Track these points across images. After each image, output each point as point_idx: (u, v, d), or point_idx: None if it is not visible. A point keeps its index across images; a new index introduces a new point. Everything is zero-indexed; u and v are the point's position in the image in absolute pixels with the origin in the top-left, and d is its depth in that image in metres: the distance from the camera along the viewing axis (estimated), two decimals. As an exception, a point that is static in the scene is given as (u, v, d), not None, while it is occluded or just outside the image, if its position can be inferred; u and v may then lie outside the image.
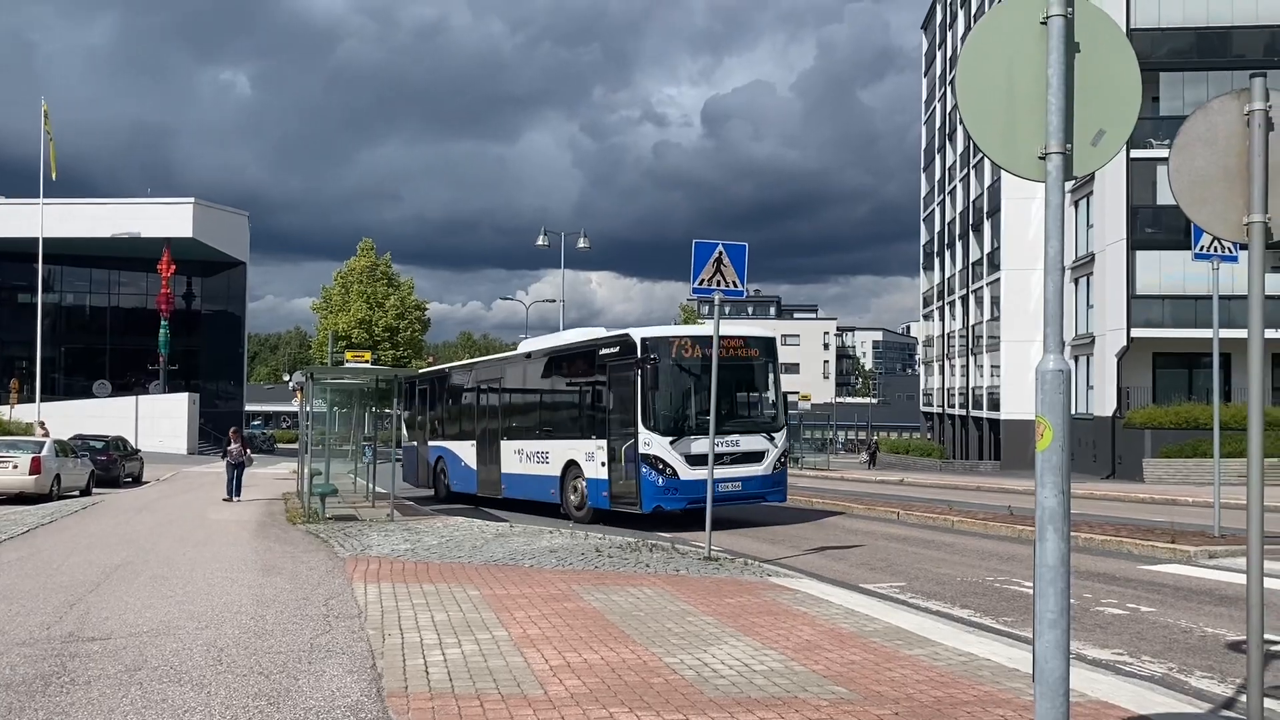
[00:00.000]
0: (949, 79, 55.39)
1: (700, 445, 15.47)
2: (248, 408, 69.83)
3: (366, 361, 42.00)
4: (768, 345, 17.62)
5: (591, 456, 17.20)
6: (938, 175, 62.39)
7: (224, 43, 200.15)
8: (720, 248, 11.72)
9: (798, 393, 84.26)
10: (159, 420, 48.60)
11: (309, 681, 5.93)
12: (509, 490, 20.39)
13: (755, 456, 16.60)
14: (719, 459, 14.59)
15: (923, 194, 67.67)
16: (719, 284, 11.72)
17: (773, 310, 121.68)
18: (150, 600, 8.83)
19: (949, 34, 57.60)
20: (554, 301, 58.55)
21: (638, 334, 16.51)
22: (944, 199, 60.36)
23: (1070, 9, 3.75)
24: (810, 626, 7.54)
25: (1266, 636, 4.79)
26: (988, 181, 48.95)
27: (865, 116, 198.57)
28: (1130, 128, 4.02)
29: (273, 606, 8.46)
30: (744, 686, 5.74)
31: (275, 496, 22.78)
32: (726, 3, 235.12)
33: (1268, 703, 4.79)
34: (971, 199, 52.85)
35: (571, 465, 17.92)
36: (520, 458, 19.89)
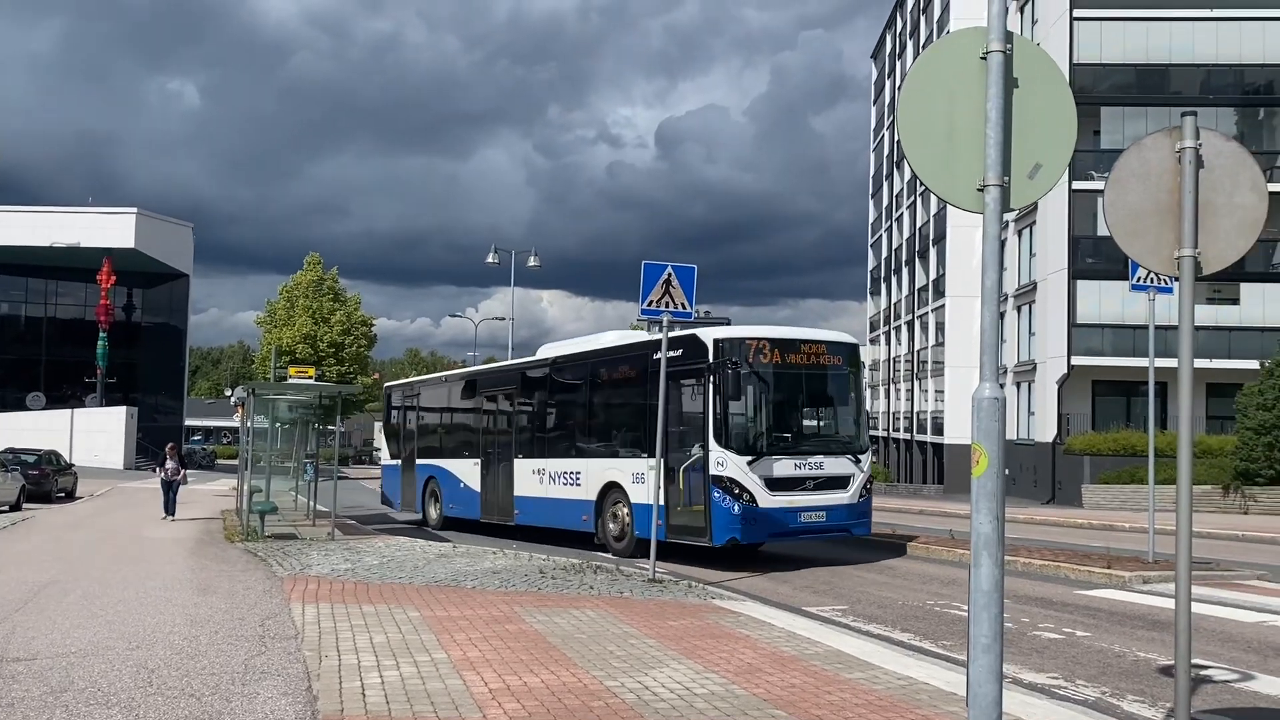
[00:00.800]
0: (896, 107, 56.32)
1: (783, 467, 13.64)
2: (188, 422, 68.54)
3: (310, 377, 41.45)
4: (852, 353, 15.28)
5: (640, 478, 14.69)
6: (885, 202, 63.30)
7: (173, 51, 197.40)
8: (670, 269, 11.78)
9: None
10: (95, 434, 47.49)
11: (242, 704, 5.81)
12: (524, 516, 18.16)
13: (840, 482, 14.21)
14: (799, 484, 13.58)
15: (870, 220, 68.61)
16: (668, 305, 11.77)
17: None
18: (80, 620, 8.60)
19: (898, 64, 58.61)
20: (504, 319, 58.39)
21: (709, 334, 14.03)
22: (891, 225, 61.24)
23: (1009, 45, 3.84)
24: (752, 649, 7.55)
25: (1194, 661, 4.89)
26: (933, 209, 49.75)
27: (817, 143, 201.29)
28: (1066, 162, 4.12)
29: (207, 627, 8.28)
30: (684, 710, 5.73)
31: (214, 514, 22.35)
32: (682, 27, 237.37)
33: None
34: (918, 226, 53.69)
35: (612, 488, 15.56)
36: (540, 479, 17.59)
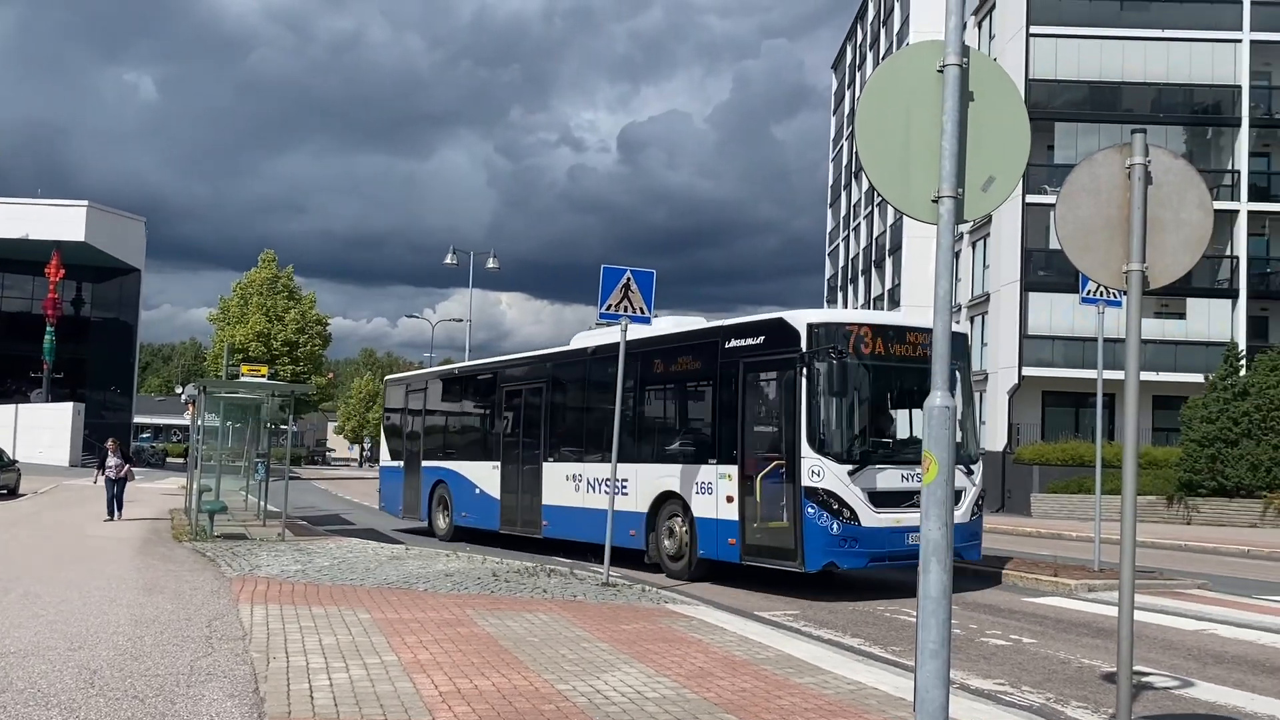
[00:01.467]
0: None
1: (889, 479, 11.52)
2: (137, 419, 67.34)
3: (263, 376, 40.94)
4: (962, 344, 13.31)
5: (707, 487, 12.61)
6: (843, 211, 63.86)
7: (130, 43, 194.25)
8: (629, 274, 11.80)
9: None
10: (40, 431, 46.49)
11: (186, 706, 5.72)
12: (554, 528, 16.00)
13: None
14: (906, 499, 11.37)
15: (829, 229, 69.18)
16: (626, 310, 11.79)
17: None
18: (20, 619, 8.42)
19: (858, 75, 59.18)
20: (461, 321, 58.11)
21: (800, 318, 11.75)
22: (849, 235, 61.77)
23: (966, 59, 3.90)
24: (704, 654, 7.57)
25: (1136, 668, 4.99)
26: (890, 220, 50.28)
27: (778, 151, 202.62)
28: (1019, 176, 4.19)
29: (152, 627, 8.14)
30: (635, 714, 5.73)
31: (161, 514, 21.99)
32: (646, 33, 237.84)
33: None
34: (874, 236, 54.22)
35: (667, 499, 13.37)
36: (576, 486, 15.38)
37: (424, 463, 19.99)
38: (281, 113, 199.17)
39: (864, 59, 57.83)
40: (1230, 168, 36.11)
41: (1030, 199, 33.45)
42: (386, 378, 23.28)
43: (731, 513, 12.04)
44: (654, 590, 11.25)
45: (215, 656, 7.04)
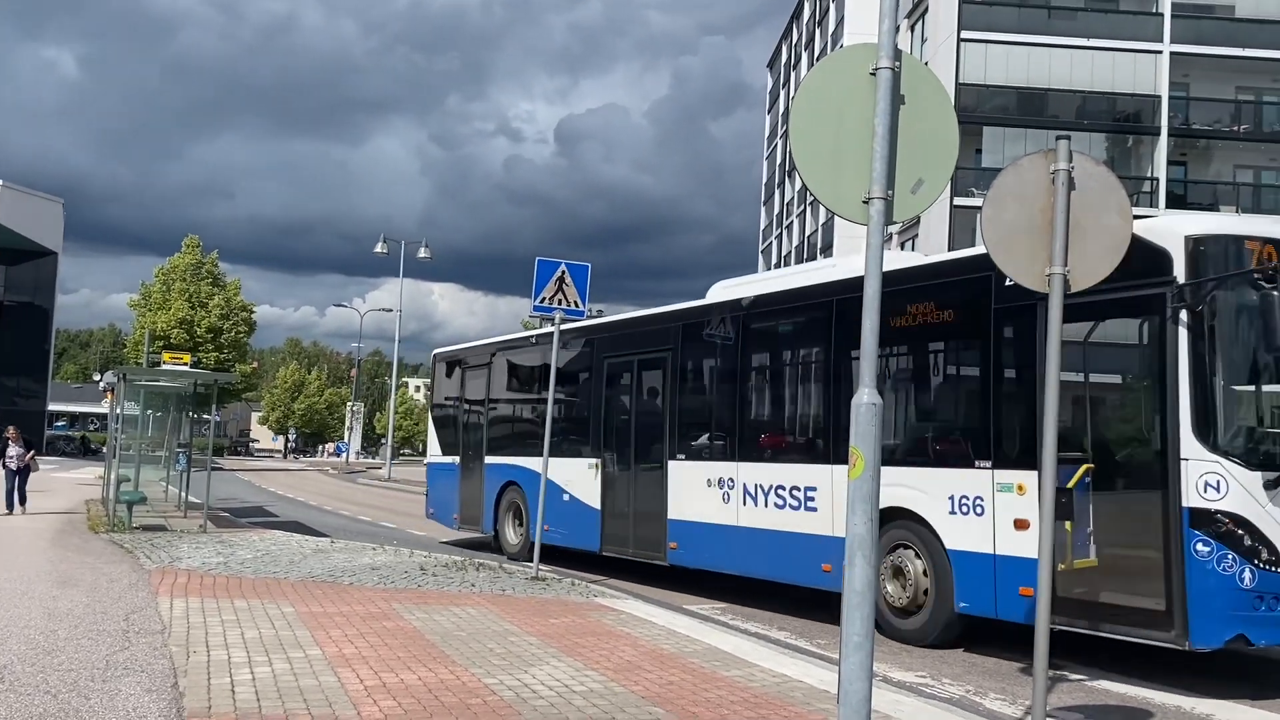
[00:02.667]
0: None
1: None
2: (51, 407, 65.32)
3: (186, 364, 40.02)
4: None
5: (972, 504, 8.33)
6: (776, 210, 64.45)
7: (50, 18, 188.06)
8: (563, 266, 11.76)
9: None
10: (-53, 417, 44.87)
11: (102, 701, 5.58)
12: (688, 552, 11.61)
13: None
14: None
15: (762, 227, 69.77)
16: (561, 302, 11.75)
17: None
18: (-75, 613, 8.12)
19: (793, 74, 59.73)
20: (391, 311, 57.41)
21: (1171, 230, 7.24)
22: (781, 233, 62.37)
23: (898, 63, 3.97)
24: (632, 647, 7.60)
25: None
26: (822, 219, 50.87)
27: (714, 148, 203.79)
28: (947, 179, 4.27)
29: (66, 621, 7.92)
30: (563, 708, 5.73)
31: (77, 504, 21.36)
32: (585, 25, 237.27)
33: (1050, 723, 5.13)
34: (806, 234, 54.81)
35: (893, 521, 8.78)
36: (724, 494, 11.04)
37: (488, 458, 15.70)
38: (210, 96, 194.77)
39: (799, 59, 58.39)
40: (1149, 175, 37.22)
41: (958, 201, 34.10)
42: (435, 352, 17.93)
43: (1024, 546, 7.73)
44: (583, 584, 11.26)
45: (133, 650, 6.87)
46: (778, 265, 62.59)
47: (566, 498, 13.51)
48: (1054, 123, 36.16)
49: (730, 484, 11.00)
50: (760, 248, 69.57)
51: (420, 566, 11.98)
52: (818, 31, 54.21)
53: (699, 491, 11.39)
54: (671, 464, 11.96)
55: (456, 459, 16.84)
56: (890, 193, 3.89)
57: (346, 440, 79.42)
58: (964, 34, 36.66)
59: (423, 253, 46.04)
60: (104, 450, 59.63)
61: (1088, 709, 6.64)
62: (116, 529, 15.29)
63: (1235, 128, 38.16)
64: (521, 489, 14.80)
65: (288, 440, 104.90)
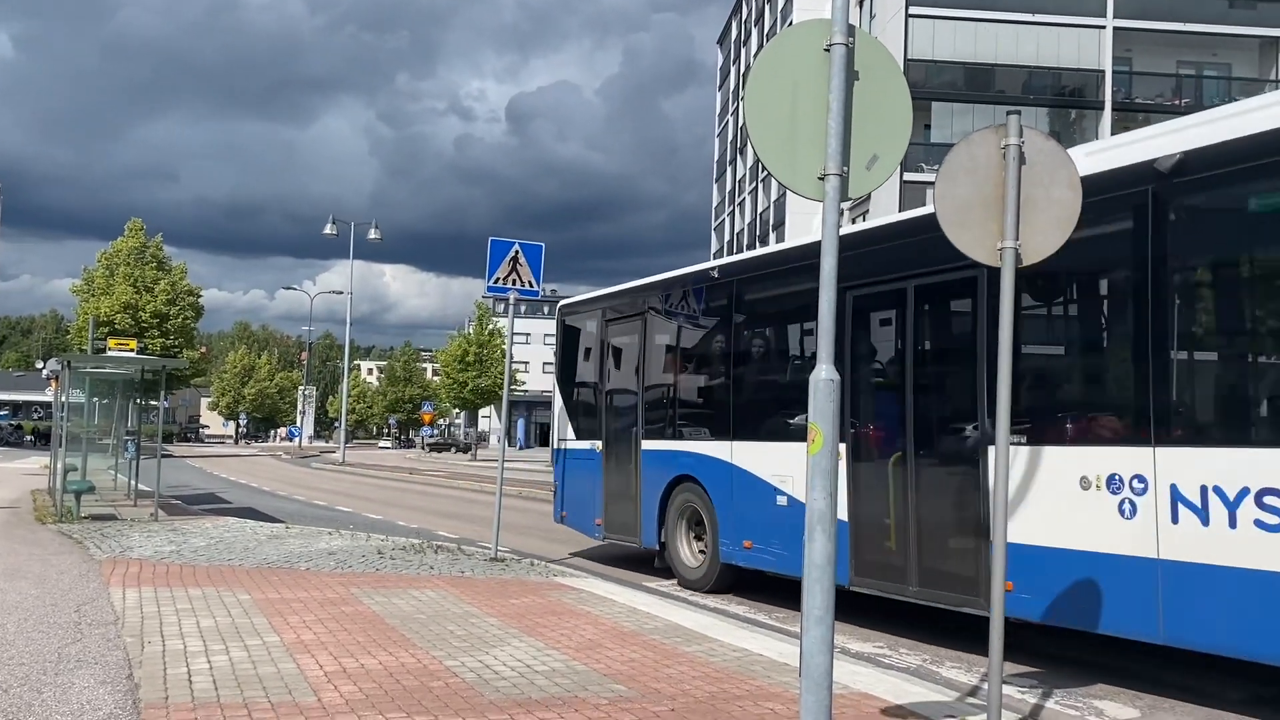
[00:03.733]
0: (741, 95, 57.59)
1: None
2: (-7, 396, 63.83)
3: (131, 350, 39.25)
4: None
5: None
6: (729, 187, 64.54)
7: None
8: (517, 246, 11.68)
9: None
10: (-116, 408, 43.68)
11: (54, 695, 5.48)
12: (1041, 597, 6.76)
13: None
14: None
15: (714, 204, 69.85)
16: (514, 283, 11.67)
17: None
18: None
19: (743, 51, 59.70)
20: (341, 293, 56.79)
21: None
22: (734, 210, 62.49)
23: (851, 39, 3.97)
24: (593, 625, 7.62)
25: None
26: (774, 196, 51.05)
27: (666, 125, 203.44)
28: (901, 154, 4.29)
29: (14, 614, 7.76)
30: (525, 687, 5.74)
31: (22, 494, 20.93)
32: (535, 2, 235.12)
33: (1006, 689, 5.22)
34: (759, 211, 54.99)
35: None
36: (1128, 502, 6.28)
37: (647, 443, 11.31)
38: (152, 75, 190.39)
39: (749, 35, 58.35)
40: (1094, 149, 37.75)
41: (908, 177, 34.40)
42: (562, 304, 13.77)
43: None
44: (543, 564, 11.26)
45: (85, 643, 6.76)
46: (732, 242, 62.75)
47: (783, 501, 8.99)
48: (1000, 98, 36.58)
49: (1140, 486, 6.24)
50: (713, 225, 69.67)
51: (378, 550, 11.91)
52: (767, 7, 54.20)
53: (1064, 495, 6.68)
54: (1000, 450, 5.26)
55: (597, 444, 12.27)
56: (845, 169, 3.91)
57: (299, 424, 78.64)
58: (912, 10, 36.88)
59: (373, 234, 45.53)
60: (50, 439, 58.43)
61: (1042, 674, 6.77)
62: (65, 519, 15.00)
63: (1177, 101, 38.81)
64: (701, 487, 10.25)
65: (239, 426, 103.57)
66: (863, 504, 8.19)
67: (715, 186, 69.63)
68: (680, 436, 10.94)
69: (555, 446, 13.54)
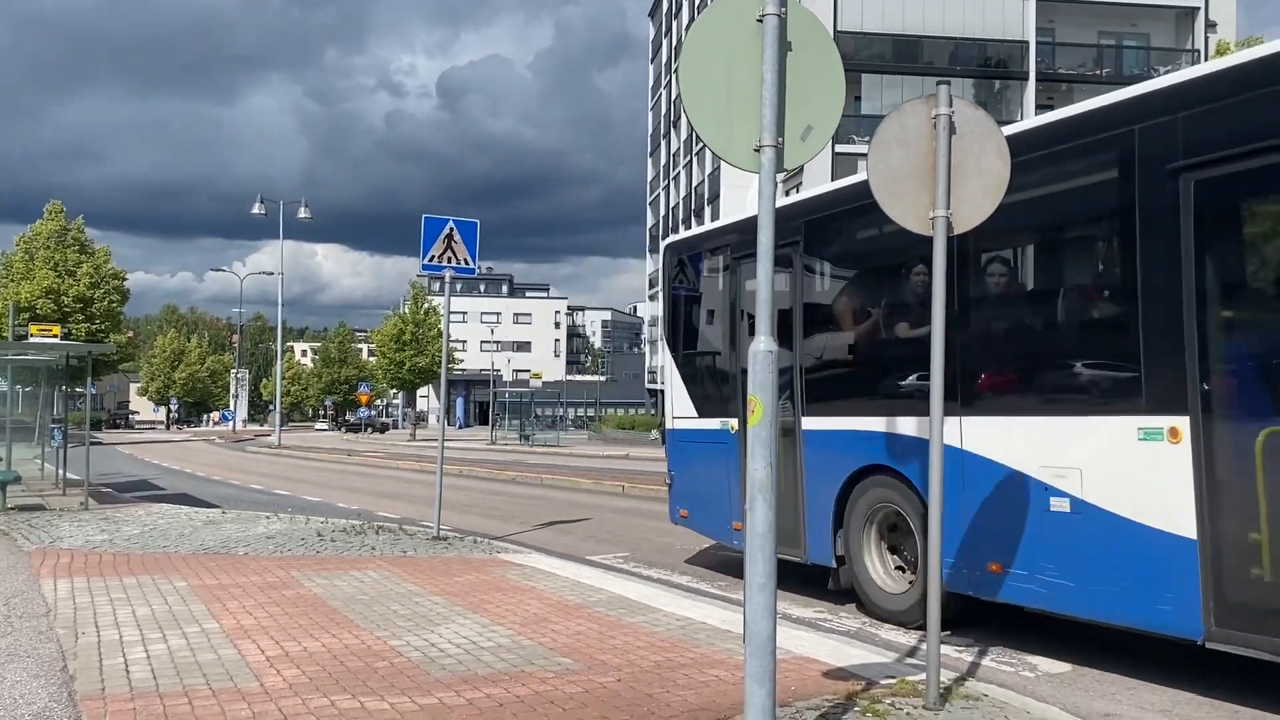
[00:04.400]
0: (674, 67, 57.43)
1: None
2: (-92, 387, 61.58)
3: (55, 336, 38.11)
4: None
5: None
6: (663, 161, 64.48)
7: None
8: (451, 223, 11.56)
9: (529, 371, 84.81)
10: None
11: (-14, 690, 5.35)
12: None
13: None
14: None
15: (649, 178, 69.75)
16: (450, 260, 11.57)
17: (505, 289, 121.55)
18: None
19: (675, 23, 59.52)
20: (272, 274, 55.67)
21: None
22: (669, 184, 62.47)
23: (784, 9, 3.98)
24: (538, 600, 7.64)
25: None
26: (709, 169, 51.13)
27: (600, 100, 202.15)
28: (835, 125, 4.32)
29: (-59, 610, 7.55)
30: (471, 664, 5.74)
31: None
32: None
33: (944, 649, 5.36)
34: (694, 185, 55.05)
35: None
36: None
37: (812, 420, 8.28)
38: (69, 52, 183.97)
39: (679, 7, 58.16)
40: (1018, 119, 38.44)
41: (841, 149, 34.68)
42: (671, 241, 11.22)
43: None
44: (486, 541, 11.24)
45: (16, 636, 6.60)
46: (667, 216, 62.76)
47: (1061, 506, 6.11)
48: (928, 69, 37.01)
49: None
50: (649, 199, 69.60)
51: (317, 533, 11.78)
52: (698, -21, 54.04)
53: None
54: None
55: (732, 423, 9.19)
56: (781, 140, 3.92)
57: (233, 408, 77.27)
58: (842, -19, 37.05)
59: (303, 213, 44.70)
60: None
61: (981, 636, 6.95)
62: (-11, 511, 14.59)
63: (1098, 71, 39.63)
64: (904, 482, 7.29)
65: (170, 411, 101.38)
66: (1222, 512, 5.28)
67: (650, 161, 69.51)
68: (867, 410, 7.67)
69: (668, 427, 10.78)
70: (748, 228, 8.90)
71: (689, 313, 10.71)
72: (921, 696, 4.94)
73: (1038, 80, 38.83)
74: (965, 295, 6.70)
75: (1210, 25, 40.57)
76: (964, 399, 6.63)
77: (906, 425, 7.16)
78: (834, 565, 8.01)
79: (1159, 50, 40.02)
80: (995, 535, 6.47)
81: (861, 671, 5.52)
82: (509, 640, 6.32)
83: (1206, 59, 36.26)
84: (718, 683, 5.33)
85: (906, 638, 6.92)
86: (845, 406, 7.95)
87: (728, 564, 10.11)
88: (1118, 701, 5.48)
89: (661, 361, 10.39)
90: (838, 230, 8.28)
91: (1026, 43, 38.74)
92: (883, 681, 5.31)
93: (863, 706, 4.83)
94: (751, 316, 8.43)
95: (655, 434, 51.26)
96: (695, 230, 11.53)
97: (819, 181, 36.65)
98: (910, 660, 6.04)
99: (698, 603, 7.71)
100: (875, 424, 7.52)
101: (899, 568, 7.62)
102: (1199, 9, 39.93)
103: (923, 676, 5.07)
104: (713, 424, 9.63)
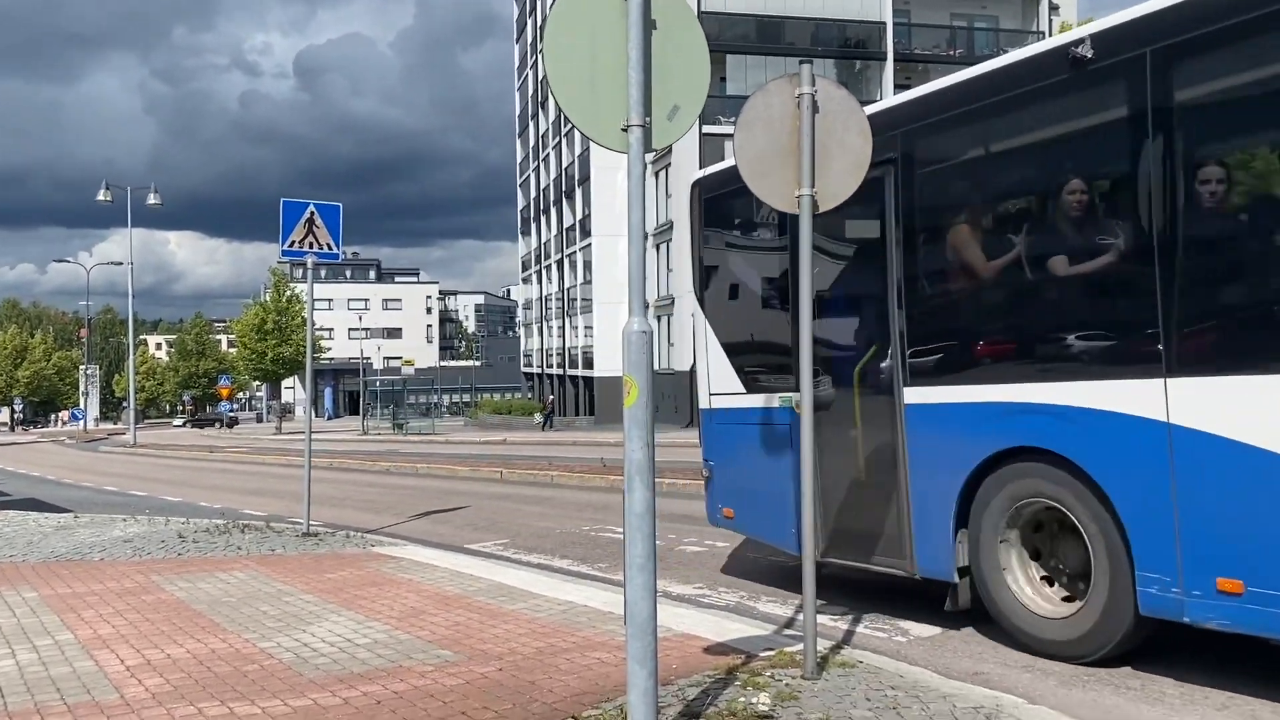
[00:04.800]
0: (539, 48, 57.03)
1: None
2: None
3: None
4: None
5: None
6: (532, 142, 63.95)
7: None
8: (312, 207, 11.19)
9: (400, 358, 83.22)
10: None
11: None
12: None
13: None
14: None
15: (519, 160, 69.10)
16: (312, 246, 11.19)
17: (373, 274, 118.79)
18: None
19: (539, 2, 58.96)
20: (121, 264, 53.04)
21: None
22: (539, 165, 62.02)
23: (648, -12, 3.94)
24: (415, 593, 7.49)
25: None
26: (578, 150, 50.96)
27: (466, 80, 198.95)
28: (701, 104, 4.31)
29: None
30: (346, 662, 5.58)
31: None
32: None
33: (820, 619, 5.47)
34: (564, 166, 54.79)
35: None
36: None
37: (917, 391, 6.34)
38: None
39: (544, -13, 57.64)
40: (877, 99, 39.57)
41: (708, 130, 35.02)
42: (697, 177, 8.96)
43: None
44: (359, 535, 10.98)
45: None
46: (538, 198, 62.31)
47: None
48: (791, 50, 37.68)
49: None
50: (519, 181, 68.98)
51: (179, 534, 11.29)
52: (561, -41, 53.68)
53: None
54: None
55: (793, 398, 6.89)
56: (648, 120, 3.89)
57: (83, 407, 73.48)
58: (704, -38, 37.31)
59: (152, 199, 42.65)
60: None
61: (854, 605, 7.13)
62: None
63: (951, 52, 41.06)
64: (1073, 470, 5.41)
65: (14, 411, 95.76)
66: None
67: (519, 142, 68.85)
68: (1011, 375, 5.84)
69: (703, 406, 8.61)
70: (908, 109, 6.74)
71: (730, 265, 8.68)
72: (799, 666, 5.03)
73: (895, 60, 39.99)
74: (1173, 212, 4.95)
75: (1054, 8, 42.49)
76: (1175, 355, 4.89)
77: (1074, 393, 5.37)
78: (954, 579, 6.16)
79: (1007, 32, 41.70)
80: (1231, 541, 4.71)
81: (742, 645, 5.59)
82: (385, 635, 6.17)
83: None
84: (600, 665, 5.32)
85: (784, 609, 7.05)
86: (975, 372, 6.07)
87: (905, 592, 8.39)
88: (984, 660, 5.70)
89: (693, 329, 8.19)
90: (954, 139, 6.35)
91: (884, 24, 39.82)
92: (762, 654, 5.39)
93: (743, 680, 4.89)
94: (833, 256, 7.15)
95: (538, 418, 51.04)
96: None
97: (688, 165, 37.00)
98: (788, 631, 6.16)
99: (579, 585, 7.69)
100: (1026, 392, 5.65)
101: (1045, 578, 5.89)
102: (1043, -8, 41.78)
103: (800, 647, 5.16)
104: (767, 401, 7.62)
